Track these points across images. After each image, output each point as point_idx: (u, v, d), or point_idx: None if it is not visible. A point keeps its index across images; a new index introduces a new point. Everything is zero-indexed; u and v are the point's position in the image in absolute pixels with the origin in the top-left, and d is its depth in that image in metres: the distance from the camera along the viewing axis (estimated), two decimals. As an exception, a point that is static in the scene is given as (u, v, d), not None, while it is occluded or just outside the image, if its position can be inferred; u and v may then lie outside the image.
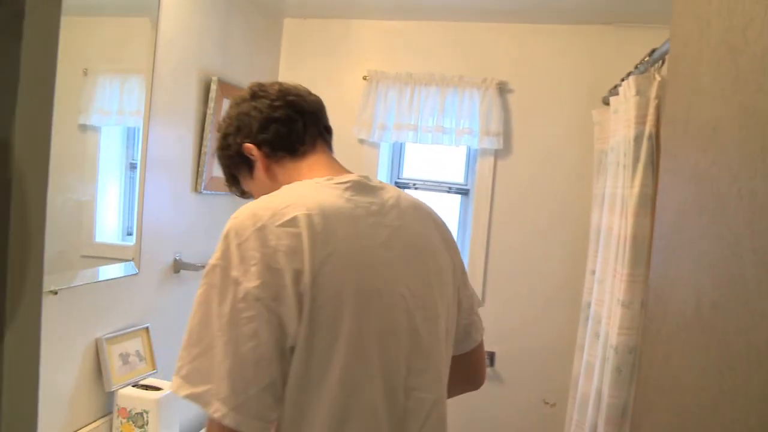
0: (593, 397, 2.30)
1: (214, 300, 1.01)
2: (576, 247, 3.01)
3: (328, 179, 1.20)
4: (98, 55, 1.96)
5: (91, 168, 2.00)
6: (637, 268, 2.05)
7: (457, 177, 3.33)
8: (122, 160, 2.14)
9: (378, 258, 1.13)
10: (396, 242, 1.17)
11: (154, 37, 2.19)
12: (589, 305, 2.69)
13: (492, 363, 3.13)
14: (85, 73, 1.91)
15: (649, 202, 2.03)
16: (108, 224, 2.12)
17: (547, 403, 3.09)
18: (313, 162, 1.29)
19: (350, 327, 1.06)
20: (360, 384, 1.07)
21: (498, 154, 3.12)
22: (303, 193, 1.13)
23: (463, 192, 3.30)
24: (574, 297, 2.99)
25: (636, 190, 2.07)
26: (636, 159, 2.08)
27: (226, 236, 1.05)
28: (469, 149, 3.28)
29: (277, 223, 1.05)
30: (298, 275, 1.02)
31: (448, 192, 3.31)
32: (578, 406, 2.56)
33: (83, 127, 1.94)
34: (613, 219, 2.37)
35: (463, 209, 3.31)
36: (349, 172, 1.27)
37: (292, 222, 1.05)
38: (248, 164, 1.32)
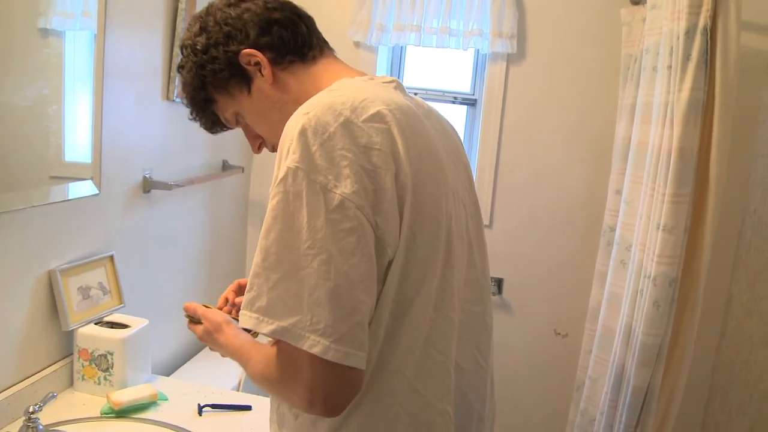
0: (620, 332, 2.04)
1: (298, 211, 0.86)
2: (597, 163, 2.71)
3: (370, 78, 1.07)
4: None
5: (56, 78, 1.70)
6: (682, 187, 1.76)
7: (464, 86, 2.98)
8: (91, 70, 1.82)
9: (446, 162, 1.04)
10: (447, 148, 1.08)
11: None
12: (612, 229, 2.41)
13: (500, 290, 2.88)
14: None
15: (699, 109, 1.72)
16: (80, 142, 1.81)
17: (559, 333, 2.86)
18: (328, 65, 1.13)
19: (447, 235, 0.98)
20: (447, 298, 1.00)
21: (511, 60, 2.76)
22: (364, 87, 0.99)
23: (470, 102, 2.96)
24: (592, 219, 2.71)
25: (685, 94, 1.75)
26: (686, 57, 1.75)
27: (303, 134, 0.88)
28: (477, 54, 2.92)
29: (362, 118, 0.90)
30: (396, 178, 0.90)
31: (453, 102, 2.98)
32: (599, 340, 2.31)
33: (44, 32, 1.65)
34: (648, 131, 2.05)
35: (470, 122, 2.98)
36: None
37: (378, 117, 0.92)
38: (243, 79, 1.11)
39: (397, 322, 0.94)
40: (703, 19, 1.71)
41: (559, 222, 2.79)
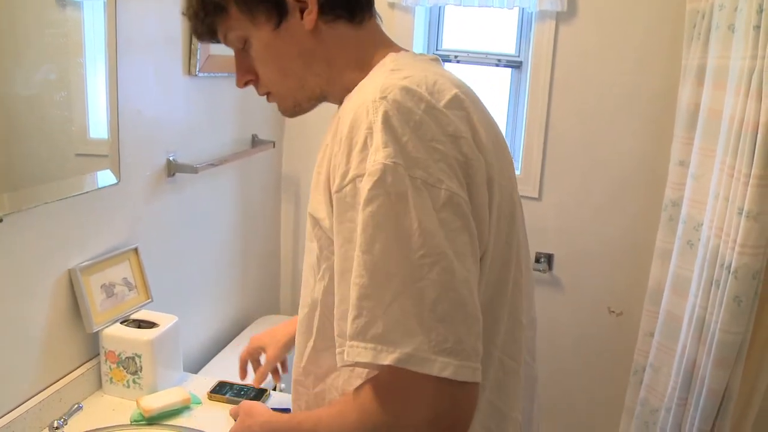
0: (691, 323, 1.86)
1: (404, 215, 0.75)
2: (656, 130, 2.48)
3: (420, 55, 0.99)
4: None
5: (75, 51, 1.57)
6: (770, 168, 1.54)
7: (508, 47, 2.76)
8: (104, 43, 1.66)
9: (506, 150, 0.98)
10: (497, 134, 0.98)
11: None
12: (675, 204, 2.20)
13: (550, 267, 2.70)
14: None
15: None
16: (101, 117, 1.67)
17: (613, 311, 2.68)
18: (373, 33, 1.00)
19: (517, 231, 0.93)
20: (518, 300, 0.94)
21: (560, 18, 2.53)
22: (425, 66, 0.91)
23: (515, 65, 2.74)
24: (651, 191, 2.49)
25: (776, 60, 1.52)
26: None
27: (388, 122, 0.78)
28: (522, 13, 2.68)
29: (442, 103, 0.82)
30: (485, 170, 0.83)
31: (497, 65, 2.75)
32: (662, 326, 2.13)
33: (61, 2, 1.51)
34: (722, 99, 1.83)
35: (515, 86, 2.76)
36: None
37: (457, 102, 0.84)
38: (276, 9, 0.93)
39: (487, 319, 0.86)
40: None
41: (614, 193, 2.59)
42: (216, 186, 2.29)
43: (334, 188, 0.81)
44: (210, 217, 2.28)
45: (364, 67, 0.94)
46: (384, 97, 0.79)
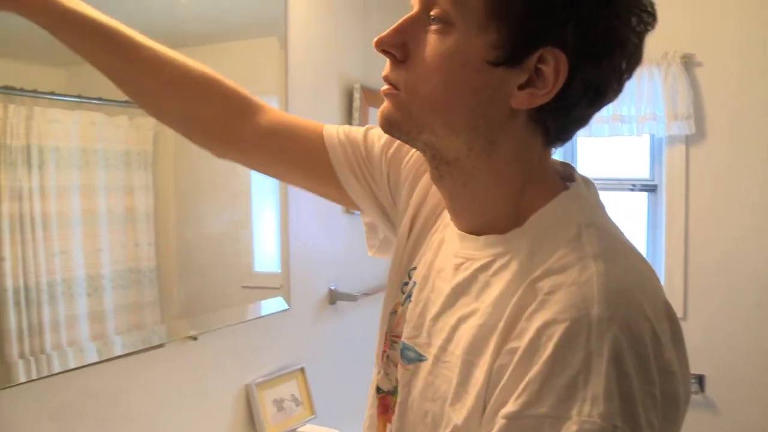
0: None
1: None
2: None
3: (586, 187, 0.76)
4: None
5: (245, 194, 1.88)
6: None
7: (641, 172, 2.87)
8: (276, 189, 2.00)
9: None
10: None
11: (284, 55, 2.00)
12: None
13: (702, 388, 2.63)
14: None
15: None
16: (266, 251, 1.97)
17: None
18: (548, 158, 0.76)
19: None
20: None
21: (690, 141, 2.64)
22: (620, 235, 0.72)
23: (650, 189, 2.83)
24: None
25: None
26: None
27: (619, 362, 0.59)
28: (653, 138, 2.81)
29: (662, 326, 0.63)
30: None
31: (632, 190, 2.86)
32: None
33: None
34: None
35: (652, 209, 2.84)
36: None
37: (672, 320, 0.66)
38: (510, 46, 0.65)
39: None
40: None
41: (764, 304, 2.53)
42: (373, 312, 2.47)
43: (505, 409, 0.62)
44: (369, 341, 2.47)
45: (521, 183, 0.73)
46: (610, 318, 0.60)
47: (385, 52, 0.71)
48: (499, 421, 0.61)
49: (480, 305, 0.70)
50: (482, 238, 0.74)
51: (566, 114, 0.69)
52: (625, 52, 0.67)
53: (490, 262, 0.71)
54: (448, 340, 0.73)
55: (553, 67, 0.65)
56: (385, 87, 0.72)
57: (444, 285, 0.76)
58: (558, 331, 0.60)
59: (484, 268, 0.72)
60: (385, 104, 0.73)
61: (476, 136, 0.70)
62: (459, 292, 0.74)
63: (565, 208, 0.71)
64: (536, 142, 0.71)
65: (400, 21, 0.71)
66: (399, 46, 0.70)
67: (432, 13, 0.67)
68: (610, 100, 0.71)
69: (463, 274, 0.74)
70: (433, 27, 0.67)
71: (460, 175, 0.73)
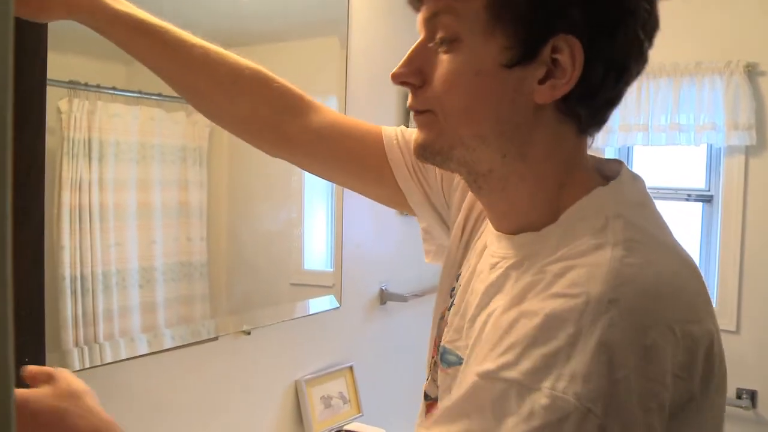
0: None
1: None
2: None
3: (634, 183, 0.73)
4: (289, 81, 1.85)
5: (297, 193, 1.91)
6: None
7: (697, 182, 2.80)
8: (330, 188, 2.03)
9: None
10: None
11: (344, 55, 2.02)
12: None
13: (754, 404, 2.55)
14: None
15: None
16: (316, 250, 2.00)
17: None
18: (585, 150, 0.74)
19: None
20: None
21: (750, 152, 2.56)
22: (664, 234, 0.71)
23: (706, 199, 2.76)
24: None
25: None
26: None
27: (611, 347, 0.56)
28: (710, 148, 2.74)
29: (685, 328, 0.61)
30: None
31: (687, 200, 2.79)
32: None
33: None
34: None
35: (707, 219, 2.77)
36: None
37: (698, 326, 0.64)
38: (524, 43, 0.65)
39: None
40: None
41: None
42: (422, 313, 2.48)
43: (482, 367, 0.61)
44: (418, 341, 2.48)
45: (558, 181, 0.71)
46: (614, 302, 0.58)
47: (403, 83, 0.72)
48: (472, 378, 0.61)
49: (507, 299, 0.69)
50: (517, 236, 0.73)
51: (593, 97, 0.68)
52: (638, 19, 0.65)
53: (522, 258, 0.70)
54: (479, 339, 0.72)
55: (568, 54, 0.64)
56: (416, 115, 0.73)
57: (480, 286, 0.76)
58: (554, 303, 0.59)
59: (516, 265, 0.71)
60: (418, 133, 0.74)
61: (508, 140, 0.69)
62: (493, 291, 0.73)
63: (599, 201, 0.69)
64: (569, 132, 0.70)
65: (410, 51, 0.72)
66: (415, 74, 0.71)
67: (438, 36, 0.68)
68: (638, 73, 0.70)
69: (496, 273, 0.73)
70: (443, 48, 0.68)
71: (497, 183, 0.72)
